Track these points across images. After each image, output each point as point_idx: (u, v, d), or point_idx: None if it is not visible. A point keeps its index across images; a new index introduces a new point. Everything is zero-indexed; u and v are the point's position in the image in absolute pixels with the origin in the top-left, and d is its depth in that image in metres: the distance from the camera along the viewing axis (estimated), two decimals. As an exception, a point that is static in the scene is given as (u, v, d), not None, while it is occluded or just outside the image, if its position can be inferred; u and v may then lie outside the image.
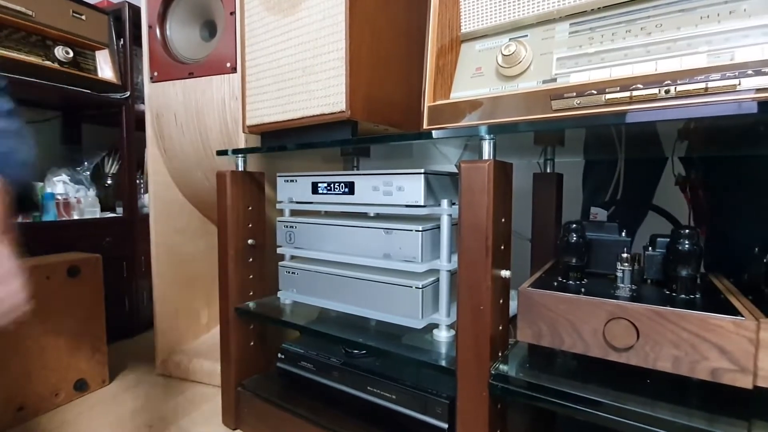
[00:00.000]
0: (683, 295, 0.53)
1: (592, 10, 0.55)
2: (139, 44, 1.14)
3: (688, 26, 0.48)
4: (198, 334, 1.31)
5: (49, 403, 1.00)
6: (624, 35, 0.52)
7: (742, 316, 0.44)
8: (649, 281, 0.60)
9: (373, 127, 0.80)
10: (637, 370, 0.50)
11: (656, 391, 0.50)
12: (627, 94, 0.48)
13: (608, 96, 0.50)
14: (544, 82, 0.56)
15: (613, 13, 0.53)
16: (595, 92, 0.50)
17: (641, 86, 0.48)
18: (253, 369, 0.95)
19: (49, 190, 1.29)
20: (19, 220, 1.18)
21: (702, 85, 0.44)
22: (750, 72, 0.43)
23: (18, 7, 1.11)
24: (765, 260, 0.56)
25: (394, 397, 0.74)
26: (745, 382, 0.44)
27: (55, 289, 1.00)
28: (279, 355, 0.92)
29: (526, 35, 0.59)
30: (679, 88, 0.46)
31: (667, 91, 0.46)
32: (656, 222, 0.93)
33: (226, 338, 0.91)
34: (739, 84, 0.43)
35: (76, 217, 1.33)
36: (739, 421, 0.44)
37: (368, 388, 0.78)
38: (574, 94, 0.52)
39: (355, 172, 0.76)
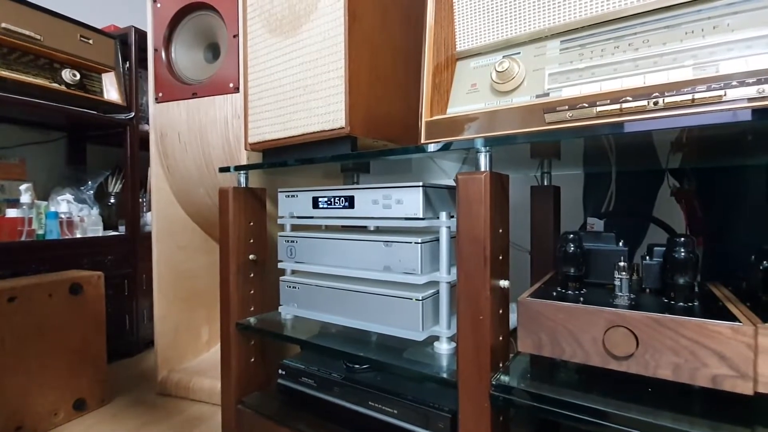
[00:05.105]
0: (681, 303, 0.53)
1: (582, 27, 0.57)
2: (144, 67, 1.18)
3: (674, 41, 0.50)
4: (198, 352, 1.31)
5: (47, 423, 0.99)
6: (613, 51, 0.54)
7: (740, 322, 0.45)
8: (647, 290, 0.60)
9: (372, 143, 0.81)
10: (638, 379, 0.50)
11: (658, 399, 0.50)
12: (617, 106, 0.50)
13: (599, 108, 0.51)
14: (537, 96, 0.58)
15: (602, 30, 0.55)
16: (587, 105, 0.52)
17: (631, 99, 0.49)
18: (253, 385, 0.94)
19: (52, 209, 1.31)
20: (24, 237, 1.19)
21: (689, 97, 0.46)
22: (734, 83, 0.44)
23: (27, 32, 1.15)
24: (761, 267, 0.56)
25: (395, 411, 0.74)
26: (746, 389, 0.44)
27: (57, 306, 1.01)
28: (279, 371, 0.91)
29: (519, 52, 0.62)
30: (667, 99, 0.47)
31: (655, 103, 0.48)
32: (654, 233, 0.93)
33: (227, 354, 0.91)
34: (725, 95, 0.44)
35: (79, 235, 1.34)
36: (741, 428, 0.44)
37: (370, 403, 0.77)
38: (567, 107, 0.53)
39: (355, 186, 0.77)
